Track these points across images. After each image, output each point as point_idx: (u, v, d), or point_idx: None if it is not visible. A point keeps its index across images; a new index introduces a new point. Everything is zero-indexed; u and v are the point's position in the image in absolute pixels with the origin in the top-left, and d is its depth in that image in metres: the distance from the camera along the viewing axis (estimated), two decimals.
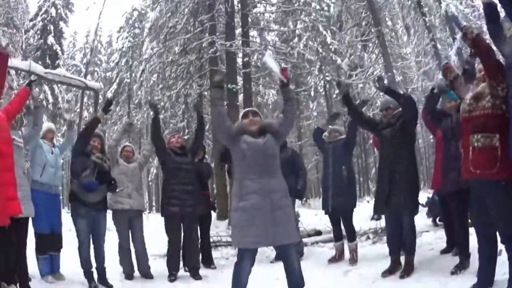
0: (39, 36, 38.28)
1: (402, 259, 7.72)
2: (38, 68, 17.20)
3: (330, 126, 10.45)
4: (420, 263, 7.80)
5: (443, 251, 8.38)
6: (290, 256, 6.14)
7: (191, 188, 9.18)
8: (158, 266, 9.75)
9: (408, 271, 7.40)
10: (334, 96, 34.56)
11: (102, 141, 8.63)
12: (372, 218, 13.61)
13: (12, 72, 23.81)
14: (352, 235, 9.49)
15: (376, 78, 8.48)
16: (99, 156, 8.29)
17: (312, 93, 37.51)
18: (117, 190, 8.98)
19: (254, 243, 5.89)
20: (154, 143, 9.44)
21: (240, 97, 18.01)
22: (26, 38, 35.22)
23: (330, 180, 9.58)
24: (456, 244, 7.83)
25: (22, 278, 7.09)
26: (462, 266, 6.96)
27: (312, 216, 17.71)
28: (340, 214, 9.66)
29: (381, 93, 22.80)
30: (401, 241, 7.77)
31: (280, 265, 7.93)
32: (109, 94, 47.59)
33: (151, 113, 9.96)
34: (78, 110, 35.48)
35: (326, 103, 36.81)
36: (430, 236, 9.05)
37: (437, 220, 11.98)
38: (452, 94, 7.44)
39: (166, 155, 9.27)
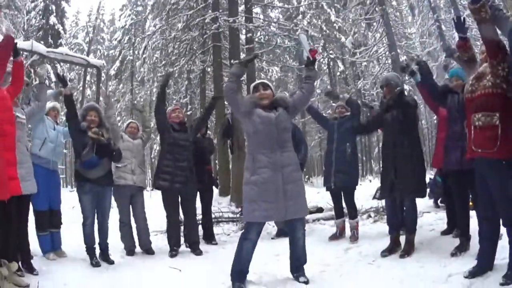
0: (41, 17, 38.24)
1: (402, 239, 7.72)
2: (40, 47, 17.28)
3: (333, 104, 10.41)
4: (420, 243, 7.79)
5: (444, 232, 8.36)
6: (297, 230, 6.44)
7: (185, 164, 9.12)
8: (160, 242, 9.81)
9: (408, 250, 7.38)
10: (338, 74, 34.50)
11: (99, 113, 8.53)
12: (374, 197, 13.59)
13: None
14: (353, 212, 9.51)
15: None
16: (95, 131, 8.21)
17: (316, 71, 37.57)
18: (120, 166, 9.04)
19: (265, 217, 6.15)
20: (156, 113, 9.37)
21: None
22: (27, 19, 35.17)
23: (333, 156, 9.54)
24: (456, 225, 7.80)
25: (24, 255, 7.14)
26: (462, 248, 6.92)
27: (314, 193, 17.72)
28: (342, 191, 9.65)
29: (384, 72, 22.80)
30: (401, 220, 7.78)
31: (281, 242, 7.96)
32: (112, 72, 47.65)
33: (161, 82, 9.91)
34: (81, 88, 35.41)
35: (329, 80, 36.75)
36: (431, 217, 9.04)
37: (439, 201, 11.95)
38: (457, 71, 7.36)
39: (165, 128, 9.22)
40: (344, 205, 9.76)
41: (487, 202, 5.62)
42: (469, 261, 6.18)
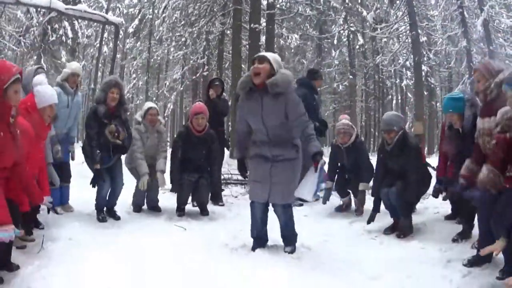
0: None
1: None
2: (59, 4, 17.26)
3: (338, 123, 10.14)
4: (424, 224, 7.87)
5: (448, 217, 8.34)
6: (277, 209, 6.34)
7: (198, 175, 9.11)
8: (167, 200, 9.78)
9: (405, 233, 7.43)
10: (357, 47, 34.26)
11: (121, 90, 8.42)
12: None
13: (32, 9, 23.65)
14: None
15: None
16: (112, 130, 8.20)
17: (335, 42, 37.17)
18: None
19: (253, 195, 6.41)
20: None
21: (263, 38, 17.87)
22: None
23: (346, 174, 9.60)
24: (460, 211, 7.74)
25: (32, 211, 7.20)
26: (464, 235, 6.93)
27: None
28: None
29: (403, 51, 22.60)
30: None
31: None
32: (130, 30, 47.41)
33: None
34: (98, 45, 35.31)
35: (348, 53, 36.44)
36: (437, 200, 8.97)
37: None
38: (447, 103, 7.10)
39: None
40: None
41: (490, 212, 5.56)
42: (469, 250, 6.26)
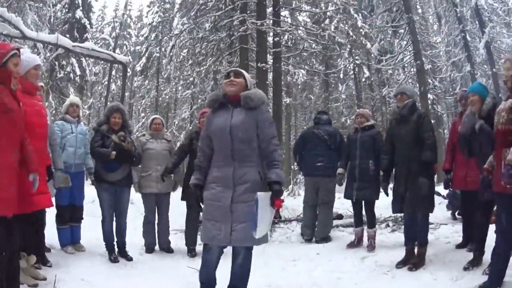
0: (66, 10, 38.24)
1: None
2: (66, 41, 17.31)
3: (358, 110, 10.41)
4: (435, 255, 7.84)
5: (459, 246, 8.34)
6: (238, 256, 5.56)
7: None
8: (179, 241, 9.84)
9: (417, 264, 7.38)
10: (363, 80, 34.41)
11: (123, 115, 8.61)
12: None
13: (40, 45, 23.85)
14: (372, 221, 9.52)
15: None
16: (120, 135, 8.33)
17: (341, 76, 37.32)
18: (145, 175, 9.22)
19: (209, 238, 5.35)
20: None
21: (270, 75, 17.99)
22: (53, 12, 35.27)
23: (356, 173, 9.54)
24: (472, 239, 7.79)
25: (40, 248, 7.26)
26: (475, 263, 6.92)
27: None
28: (362, 202, 9.67)
29: (409, 80, 22.69)
30: (417, 232, 7.67)
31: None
32: (138, 68, 47.74)
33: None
34: (106, 82, 35.58)
35: (355, 86, 36.68)
36: (447, 229, 9.02)
37: (456, 213, 11.87)
38: (473, 87, 7.26)
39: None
40: (364, 213, 9.76)
41: (509, 225, 5.58)
42: (480, 277, 6.24)
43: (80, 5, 38.76)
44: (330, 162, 10.26)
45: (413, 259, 7.50)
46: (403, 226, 8.43)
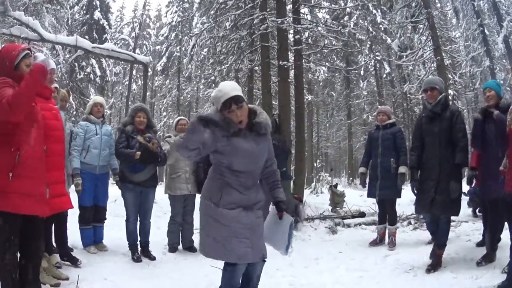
0: (84, 12, 38.38)
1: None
2: (85, 42, 17.45)
3: (379, 107, 10.41)
4: (456, 253, 7.88)
5: (479, 244, 8.36)
6: (257, 271, 5.32)
7: None
8: None
9: (435, 266, 7.30)
10: (384, 76, 34.37)
11: (147, 114, 8.67)
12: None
13: (58, 47, 23.96)
14: (393, 219, 9.56)
15: None
16: (146, 136, 8.32)
17: (362, 72, 37.28)
18: (174, 176, 9.21)
19: (240, 257, 4.96)
20: None
21: (291, 73, 17.95)
22: (71, 14, 35.36)
23: (378, 171, 9.55)
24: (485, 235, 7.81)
25: (62, 248, 7.44)
26: (488, 258, 6.99)
27: (357, 196, 17.66)
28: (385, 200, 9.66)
29: (430, 76, 22.64)
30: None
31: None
32: (159, 67, 47.91)
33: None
34: (127, 82, 35.73)
35: (376, 82, 36.59)
36: (468, 227, 8.99)
37: (477, 211, 11.79)
38: (490, 83, 7.28)
39: None
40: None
41: None
42: (500, 275, 6.28)
43: (98, 6, 38.90)
44: None
45: (432, 261, 7.42)
46: (424, 224, 8.40)
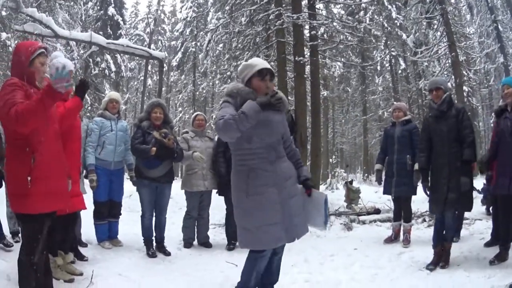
0: (98, 7, 38.43)
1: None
2: (100, 38, 17.49)
3: (395, 103, 10.38)
4: (469, 252, 7.85)
5: (487, 244, 8.28)
6: (279, 252, 5.43)
7: None
8: (218, 235, 9.98)
9: (447, 259, 7.31)
10: (400, 72, 34.28)
11: (164, 110, 8.62)
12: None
13: (73, 43, 24.00)
14: (408, 216, 9.55)
15: None
16: (162, 131, 8.28)
17: (378, 68, 37.20)
18: (190, 172, 9.25)
19: (276, 239, 5.06)
20: None
21: (307, 69, 17.90)
22: (85, 10, 35.37)
23: (394, 168, 9.52)
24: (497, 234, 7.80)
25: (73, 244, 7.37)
26: (501, 257, 6.96)
27: (372, 193, 17.68)
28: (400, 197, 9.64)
29: (445, 72, 22.60)
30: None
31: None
32: (174, 63, 47.95)
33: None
34: (142, 78, 35.82)
35: (391, 78, 36.45)
36: (482, 225, 8.94)
37: (491, 208, 11.70)
38: (509, 79, 7.27)
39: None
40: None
41: None
42: None
43: (112, 2, 38.90)
44: None
45: (443, 257, 7.38)
46: None
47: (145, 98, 35.37)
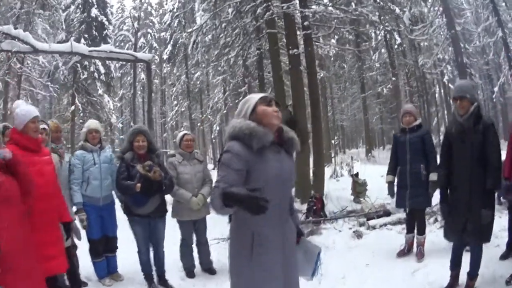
0: (81, 10, 38.06)
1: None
2: (81, 47, 17.42)
3: (404, 106, 9.84)
4: (486, 267, 7.30)
5: (503, 257, 7.97)
6: None
7: None
8: (222, 253, 9.35)
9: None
10: (396, 46, 33.89)
11: (147, 136, 8.01)
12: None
13: (56, 54, 23.80)
14: (422, 228, 9.11)
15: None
16: (145, 165, 7.67)
17: (373, 44, 36.92)
18: (182, 201, 8.66)
19: None
20: None
21: (302, 58, 17.42)
22: (67, 14, 35.19)
23: (407, 179, 8.97)
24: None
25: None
26: None
27: (377, 177, 16.95)
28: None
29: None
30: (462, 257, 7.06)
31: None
32: (165, 56, 47.71)
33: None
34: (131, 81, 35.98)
35: (388, 53, 36.33)
36: (495, 226, 8.42)
37: (501, 198, 11.08)
38: None
39: None
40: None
41: None
42: None
43: (95, 3, 38.67)
44: None
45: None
46: None
47: (135, 99, 35.35)
